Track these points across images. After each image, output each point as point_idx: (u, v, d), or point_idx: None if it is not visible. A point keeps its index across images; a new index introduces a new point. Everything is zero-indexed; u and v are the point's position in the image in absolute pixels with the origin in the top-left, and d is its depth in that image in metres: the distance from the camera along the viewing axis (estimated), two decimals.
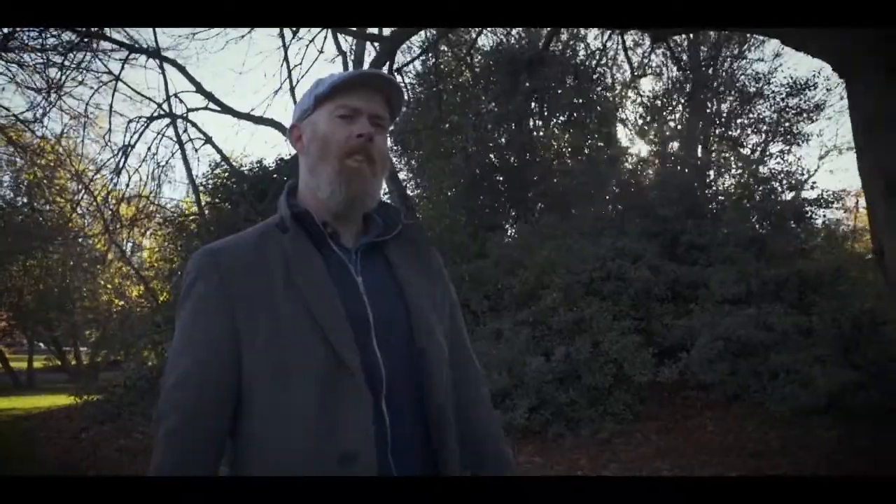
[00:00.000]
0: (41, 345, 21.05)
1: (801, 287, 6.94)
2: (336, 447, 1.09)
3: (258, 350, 1.13)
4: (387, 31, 7.61)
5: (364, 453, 1.10)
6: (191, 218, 9.31)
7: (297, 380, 1.11)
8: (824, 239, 8.25)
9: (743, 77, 9.52)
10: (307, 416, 1.10)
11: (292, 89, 8.85)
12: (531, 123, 10.47)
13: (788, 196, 8.06)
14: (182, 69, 8.79)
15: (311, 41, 11.07)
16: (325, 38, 10.77)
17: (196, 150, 14.03)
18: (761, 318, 6.26)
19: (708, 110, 9.64)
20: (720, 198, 8.63)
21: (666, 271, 6.93)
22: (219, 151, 9.15)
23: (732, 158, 8.88)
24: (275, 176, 9.41)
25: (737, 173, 8.67)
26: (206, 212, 9.39)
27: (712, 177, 8.93)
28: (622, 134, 11.54)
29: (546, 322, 6.67)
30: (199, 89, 8.61)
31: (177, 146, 9.22)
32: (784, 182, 8.09)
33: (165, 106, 9.08)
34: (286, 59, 8.62)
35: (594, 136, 9.80)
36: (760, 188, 8.07)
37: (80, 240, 13.51)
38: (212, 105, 8.95)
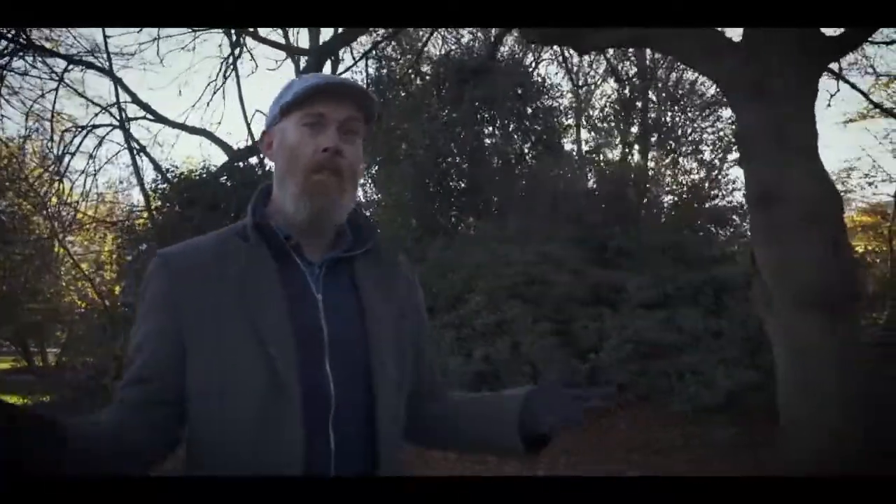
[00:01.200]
0: (8, 345, 21.02)
1: (717, 291, 7.25)
2: (269, 466, 1.07)
3: (201, 358, 1.11)
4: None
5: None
6: (139, 223, 9.49)
7: (236, 393, 1.09)
8: (743, 244, 8.58)
9: (680, 88, 9.86)
10: (242, 430, 1.08)
11: (241, 99, 9.08)
12: (482, 130, 10.78)
13: (714, 203, 8.39)
14: (117, 79, 9.00)
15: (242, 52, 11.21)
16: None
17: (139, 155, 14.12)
18: (674, 320, 6.57)
19: (647, 120, 9.96)
20: (649, 205, 8.93)
21: (589, 276, 7.22)
22: (153, 161, 9.35)
23: (664, 167, 9.20)
24: (223, 179, 9.62)
25: (668, 182, 8.99)
26: (156, 216, 9.57)
27: (645, 185, 9.24)
28: (567, 142, 11.82)
29: (470, 324, 6.94)
30: (135, 99, 8.82)
31: (127, 150, 9.39)
32: (708, 189, 8.41)
33: (115, 110, 9.29)
34: (234, 67, 8.81)
35: (537, 144, 10.10)
36: (686, 195, 8.39)
37: (41, 242, 13.60)
38: (158, 113, 9.15)
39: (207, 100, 15.35)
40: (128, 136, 9.25)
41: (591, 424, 6.72)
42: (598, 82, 10.54)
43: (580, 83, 10.32)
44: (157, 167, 9.41)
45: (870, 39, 7.46)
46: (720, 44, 4.78)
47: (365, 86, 1.15)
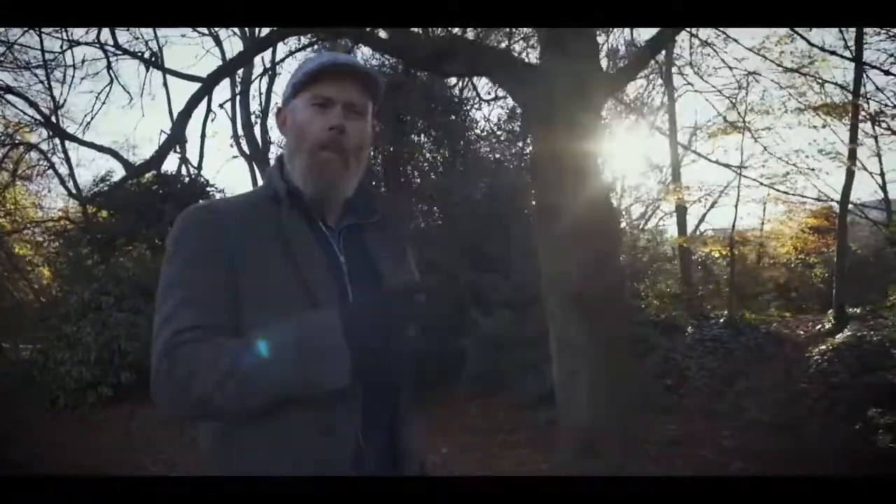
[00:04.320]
0: None
1: None
2: (319, 419, 1.14)
3: (253, 307, 1.16)
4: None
5: (344, 424, 1.16)
6: (71, 228, 9.81)
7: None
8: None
9: None
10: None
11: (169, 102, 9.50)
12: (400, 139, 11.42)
13: None
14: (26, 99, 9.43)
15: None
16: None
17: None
18: (523, 319, 7.28)
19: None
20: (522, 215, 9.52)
21: (463, 279, 7.94)
22: (62, 181, 9.75)
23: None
24: (155, 187, 10.02)
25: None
26: (90, 220, 9.92)
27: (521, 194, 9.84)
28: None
29: None
30: (45, 119, 9.21)
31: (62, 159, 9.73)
32: None
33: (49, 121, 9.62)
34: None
35: (445, 153, 10.84)
36: None
37: None
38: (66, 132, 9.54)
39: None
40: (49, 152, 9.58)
41: (444, 411, 7.37)
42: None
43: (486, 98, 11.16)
44: (65, 188, 9.77)
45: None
46: (530, 76, 5.40)
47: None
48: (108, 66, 8.22)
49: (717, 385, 7.10)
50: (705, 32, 8.35)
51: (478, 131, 11.67)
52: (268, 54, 12.81)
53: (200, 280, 1.16)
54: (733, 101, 9.81)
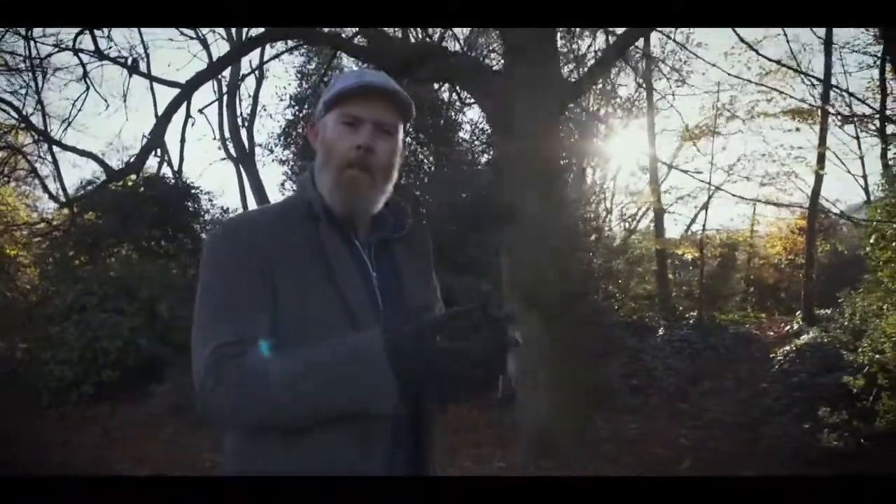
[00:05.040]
0: None
1: None
2: (353, 424, 1.14)
3: (290, 321, 1.17)
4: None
5: (381, 432, 1.18)
6: (49, 231, 9.97)
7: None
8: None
9: None
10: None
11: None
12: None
13: None
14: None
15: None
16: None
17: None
18: None
19: None
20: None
21: (439, 281, 8.09)
22: (43, 184, 9.92)
23: None
24: (142, 189, 10.17)
25: None
26: (76, 222, 10.07)
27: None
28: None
29: None
30: (26, 121, 9.38)
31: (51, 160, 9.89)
32: None
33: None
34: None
35: (429, 155, 11.03)
36: None
37: None
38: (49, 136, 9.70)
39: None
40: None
41: None
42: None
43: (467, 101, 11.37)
44: (47, 192, 9.93)
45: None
46: (495, 82, 5.68)
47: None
48: (85, 75, 8.36)
49: (683, 385, 7.31)
50: (681, 36, 8.53)
51: (462, 134, 11.90)
52: (255, 57, 13.01)
53: (239, 292, 1.17)
54: (714, 105, 10.02)
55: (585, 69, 7.81)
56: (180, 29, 11.08)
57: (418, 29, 10.52)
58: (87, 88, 8.59)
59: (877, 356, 5.58)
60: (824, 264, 12.35)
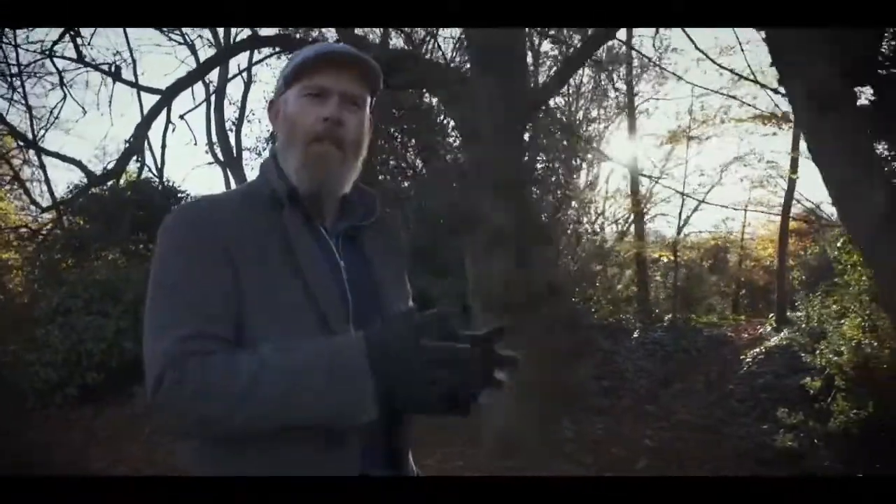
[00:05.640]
0: None
1: None
2: (325, 415, 1.04)
3: (255, 310, 1.10)
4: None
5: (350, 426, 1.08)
6: (37, 234, 10.11)
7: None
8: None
9: None
10: None
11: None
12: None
13: None
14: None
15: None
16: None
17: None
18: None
19: None
20: None
21: (416, 283, 8.24)
22: (24, 189, 10.04)
23: None
24: (129, 194, 10.31)
25: None
26: (62, 225, 10.22)
27: None
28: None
29: None
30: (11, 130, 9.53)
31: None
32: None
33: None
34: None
35: (411, 158, 11.19)
36: None
37: None
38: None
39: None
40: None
41: None
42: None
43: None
44: (28, 195, 10.06)
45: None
46: (463, 90, 5.75)
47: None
48: (61, 83, 8.49)
49: (654, 387, 7.48)
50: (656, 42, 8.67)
51: (440, 138, 12.04)
52: (243, 60, 13.15)
53: (203, 280, 1.08)
54: (689, 111, 10.19)
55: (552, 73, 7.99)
56: (168, 34, 11.17)
57: (400, 34, 10.69)
58: (64, 97, 8.71)
59: (835, 358, 5.75)
60: (813, 266, 12.51)
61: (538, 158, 10.42)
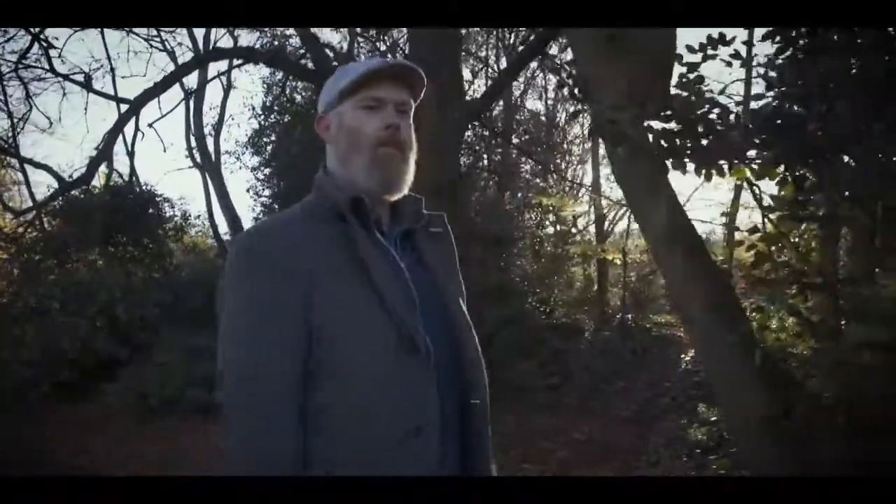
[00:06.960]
0: None
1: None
2: (407, 422, 1.16)
3: (326, 327, 1.17)
4: None
5: (430, 426, 1.19)
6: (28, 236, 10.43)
7: (367, 358, 1.17)
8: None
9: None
10: (380, 390, 1.17)
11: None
12: None
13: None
14: None
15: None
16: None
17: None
18: None
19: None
20: None
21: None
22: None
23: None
24: (107, 198, 10.67)
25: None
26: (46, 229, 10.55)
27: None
28: None
29: None
30: None
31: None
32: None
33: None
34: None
35: None
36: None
37: None
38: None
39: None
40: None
41: None
42: None
43: None
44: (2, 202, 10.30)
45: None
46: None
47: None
48: (27, 95, 8.81)
49: (597, 384, 7.85)
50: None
51: None
52: (222, 65, 13.47)
53: (276, 303, 1.17)
54: None
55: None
56: (150, 41, 11.42)
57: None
58: (31, 109, 9.03)
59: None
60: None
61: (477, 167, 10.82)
